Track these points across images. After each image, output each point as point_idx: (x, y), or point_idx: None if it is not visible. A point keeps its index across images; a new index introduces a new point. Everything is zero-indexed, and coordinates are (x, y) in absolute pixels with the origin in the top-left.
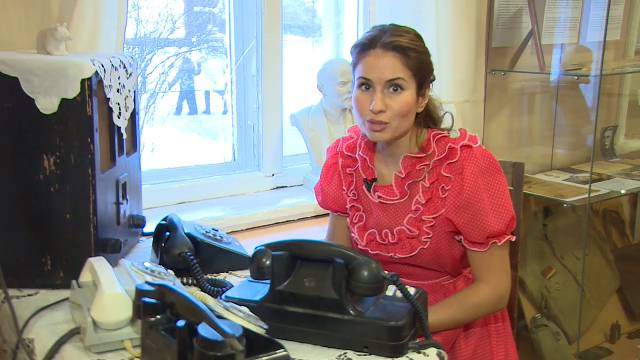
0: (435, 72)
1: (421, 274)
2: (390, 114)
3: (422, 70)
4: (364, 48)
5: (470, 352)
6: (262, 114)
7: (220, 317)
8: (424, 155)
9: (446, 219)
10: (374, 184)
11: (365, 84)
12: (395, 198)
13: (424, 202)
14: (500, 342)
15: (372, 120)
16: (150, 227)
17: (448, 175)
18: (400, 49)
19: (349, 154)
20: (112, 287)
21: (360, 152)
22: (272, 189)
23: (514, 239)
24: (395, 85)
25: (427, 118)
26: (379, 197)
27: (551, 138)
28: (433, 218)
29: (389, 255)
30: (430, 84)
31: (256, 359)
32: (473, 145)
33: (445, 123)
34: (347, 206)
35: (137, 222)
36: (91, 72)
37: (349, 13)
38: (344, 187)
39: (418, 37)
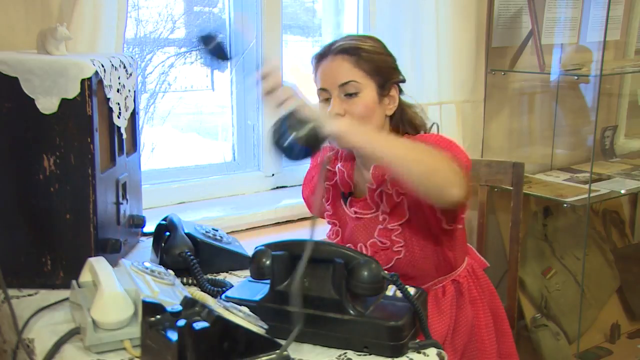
0: (435, 72)
1: (407, 282)
2: (349, 118)
3: (379, 70)
4: (318, 59)
5: (458, 356)
6: (262, 114)
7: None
8: None
9: (411, 223)
10: (350, 198)
11: (325, 97)
12: (372, 211)
13: (388, 210)
14: (493, 346)
15: None
16: (150, 227)
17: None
18: (350, 50)
19: (329, 167)
20: (112, 287)
21: (339, 165)
22: (272, 189)
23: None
24: (350, 90)
25: (406, 125)
26: (355, 212)
27: (551, 138)
28: (399, 225)
29: None
30: (396, 85)
31: (256, 359)
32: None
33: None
34: (325, 220)
35: (137, 222)
36: (91, 72)
37: (349, 13)
38: (323, 200)
39: (375, 40)
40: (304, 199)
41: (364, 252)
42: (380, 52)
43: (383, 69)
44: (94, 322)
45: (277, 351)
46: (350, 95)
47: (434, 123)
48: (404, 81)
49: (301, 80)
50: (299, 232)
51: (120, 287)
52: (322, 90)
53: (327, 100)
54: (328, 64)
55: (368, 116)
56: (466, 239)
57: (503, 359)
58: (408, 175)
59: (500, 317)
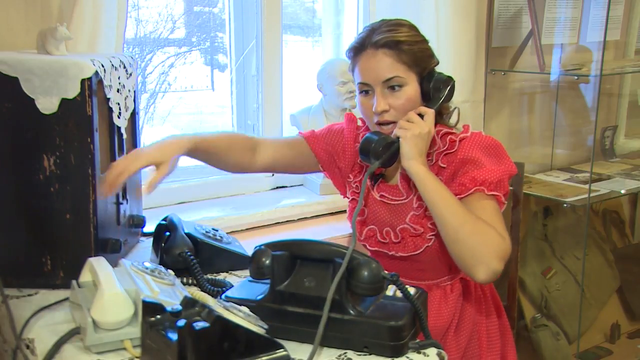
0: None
1: (419, 275)
2: (395, 113)
3: (419, 61)
4: (356, 52)
5: (461, 354)
6: (262, 114)
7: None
8: (429, 151)
9: None
10: (379, 180)
11: (366, 89)
12: (402, 198)
13: None
14: (493, 344)
15: (379, 122)
16: (150, 227)
17: (444, 165)
18: (390, 44)
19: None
20: (112, 287)
21: None
22: (272, 189)
23: (503, 201)
24: (393, 83)
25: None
26: (382, 196)
27: (551, 138)
28: None
29: (390, 253)
30: (434, 69)
31: (256, 359)
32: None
33: (453, 118)
34: (347, 196)
35: (137, 222)
36: (91, 72)
37: (349, 13)
38: (350, 175)
39: (410, 28)
40: (313, 150)
41: (392, 237)
42: (417, 40)
43: (422, 59)
44: (94, 322)
45: (278, 351)
46: (393, 88)
47: (455, 107)
48: (438, 64)
49: (301, 79)
50: (299, 232)
51: (120, 287)
52: (362, 84)
53: (366, 92)
54: (369, 60)
55: (411, 108)
56: None
57: (503, 358)
58: (443, 237)
59: (501, 316)
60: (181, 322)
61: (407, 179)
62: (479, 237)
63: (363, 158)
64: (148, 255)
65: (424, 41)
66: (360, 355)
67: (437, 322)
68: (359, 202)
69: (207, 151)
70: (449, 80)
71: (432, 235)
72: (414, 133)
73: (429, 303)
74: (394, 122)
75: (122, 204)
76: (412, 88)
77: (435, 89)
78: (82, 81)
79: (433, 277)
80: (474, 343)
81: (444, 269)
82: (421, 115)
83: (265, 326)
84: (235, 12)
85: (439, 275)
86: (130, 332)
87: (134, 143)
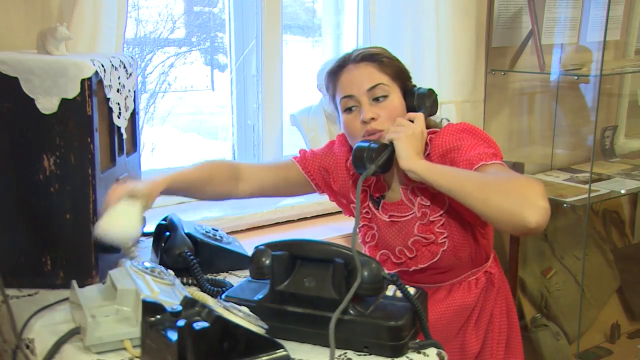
0: (435, 72)
1: (441, 278)
2: (383, 121)
3: (400, 74)
4: (336, 71)
5: (479, 346)
6: (262, 114)
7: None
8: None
9: (450, 210)
10: (382, 201)
11: (350, 105)
12: (411, 212)
13: (428, 203)
14: (502, 339)
15: (366, 133)
16: (150, 227)
17: None
18: (371, 56)
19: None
20: (121, 203)
21: None
22: None
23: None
24: (378, 93)
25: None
26: (391, 216)
27: (551, 138)
28: (441, 216)
29: (411, 270)
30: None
31: (256, 359)
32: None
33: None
34: (359, 225)
35: None
36: (91, 72)
37: (349, 13)
38: (353, 202)
39: (386, 50)
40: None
41: (407, 253)
42: (396, 58)
43: (402, 74)
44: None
45: (278, 351)
46: (378, 99)
47: (442, 119)
48: (415, 86)
49: (301, 79)
50: (299, 232)
51: (127, 202)
52: (347, 98)
53: (349, 109)
54: (351, 72)
55: (399, 116)
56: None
57: (510, 350)
58: (476, 207)
59: (511, 309)
60: (181, 322)
61: (407, 190)
62: (508, 185)
63: (357, 167)
64: (148, 255)
65: (400, 62)
66: (360, 355)
67: (460, 315)
68: (357, 209)
69: (184, 187)
70: (431, 93)
71: (444, 238)
72: (407, 133)
73: (452, 298)
74: (382, 131)
75: None
76: (397, 98)
77: (419, 102)
78: (82, 81)
79: (455, 276)
80: (489, 335)
81: (464, 266)
82: (411, 121)
83: (265, 326)
84: (235, 12)
85: (461, 273)
86: (130, 332)
87: (134, 143)
